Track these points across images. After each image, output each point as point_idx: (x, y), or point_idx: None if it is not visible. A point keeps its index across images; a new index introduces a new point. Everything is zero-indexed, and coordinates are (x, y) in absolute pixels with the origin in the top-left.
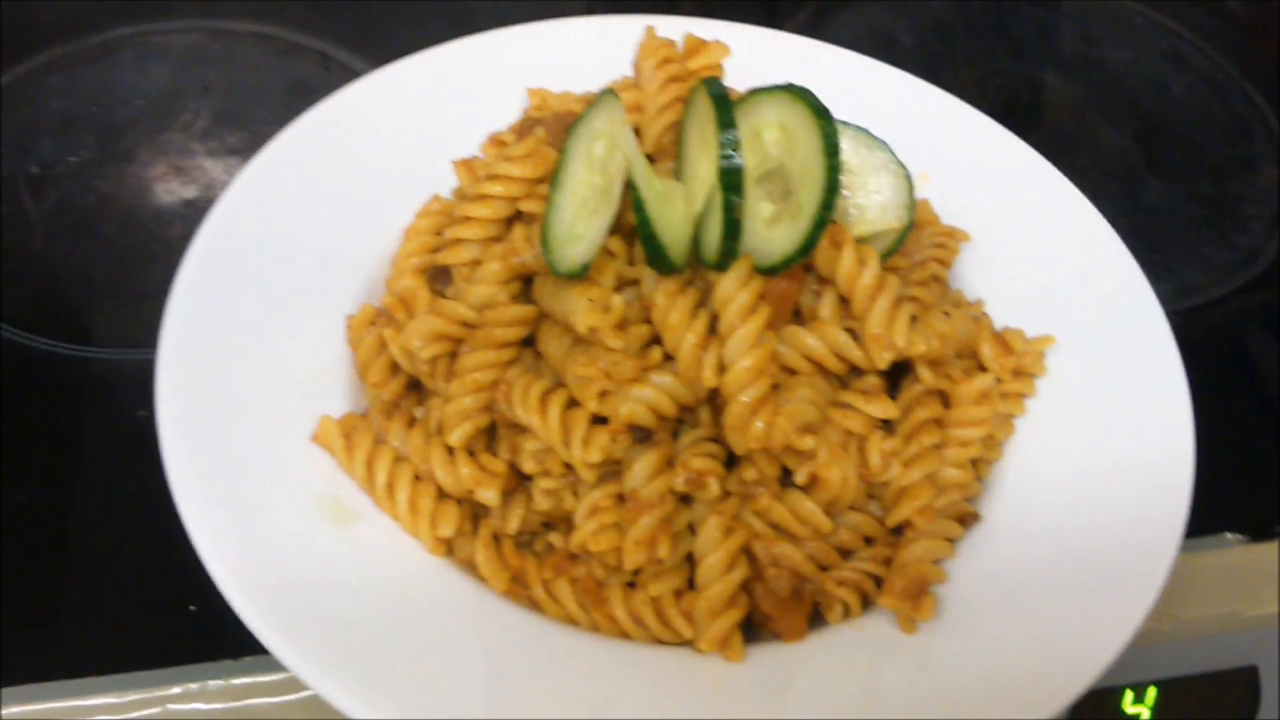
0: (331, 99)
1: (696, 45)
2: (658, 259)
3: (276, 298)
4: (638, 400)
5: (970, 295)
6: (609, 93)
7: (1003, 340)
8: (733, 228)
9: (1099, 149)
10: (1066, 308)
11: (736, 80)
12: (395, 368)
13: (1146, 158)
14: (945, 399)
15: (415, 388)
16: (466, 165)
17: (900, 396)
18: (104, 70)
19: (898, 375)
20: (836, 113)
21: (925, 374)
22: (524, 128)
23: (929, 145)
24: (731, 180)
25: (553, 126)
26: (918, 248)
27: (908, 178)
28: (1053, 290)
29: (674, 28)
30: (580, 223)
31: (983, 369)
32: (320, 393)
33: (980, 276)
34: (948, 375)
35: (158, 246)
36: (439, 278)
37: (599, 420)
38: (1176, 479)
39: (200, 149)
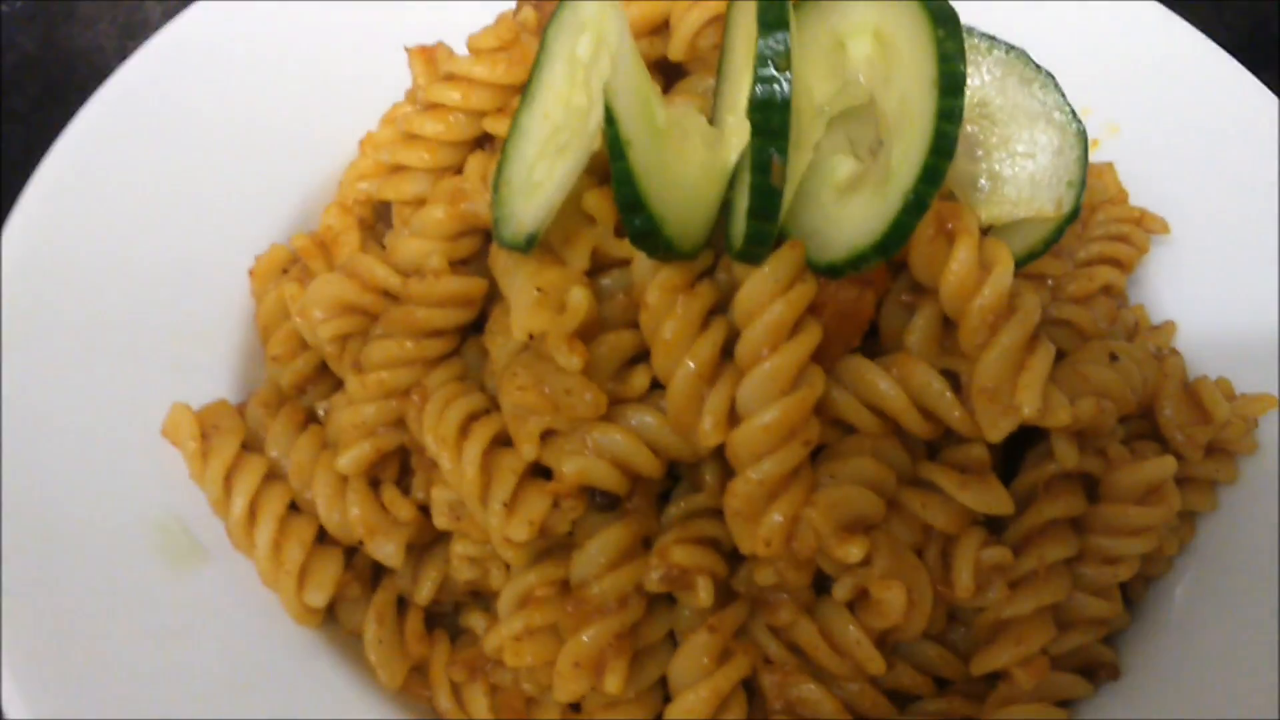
0: None
1: None
2: (646, 238)
3: (157, 224)
4: (599, 452)
5: (1158, 310)
6: None
7: (1198, 398)
8: (766, 200)
9: None
10: None
11: None
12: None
13: None
14: (1092, 484)
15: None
16: (424, 55)
17: (1020, 478)
18: None
19: (1020, 437)
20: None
21: (1064, 450)
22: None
23: (1122, 81)
24: (768, 121)
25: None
26: (1086, 239)
27: (1082, 136)
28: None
29: None
30: (542, 164)
31: (1160, 438)
32: (198, 364)
33: (1176, 281)
34: (1100, 451)
35: None
36: (388, 217)
37: (543, 471)
38: None
39: (157, 4)
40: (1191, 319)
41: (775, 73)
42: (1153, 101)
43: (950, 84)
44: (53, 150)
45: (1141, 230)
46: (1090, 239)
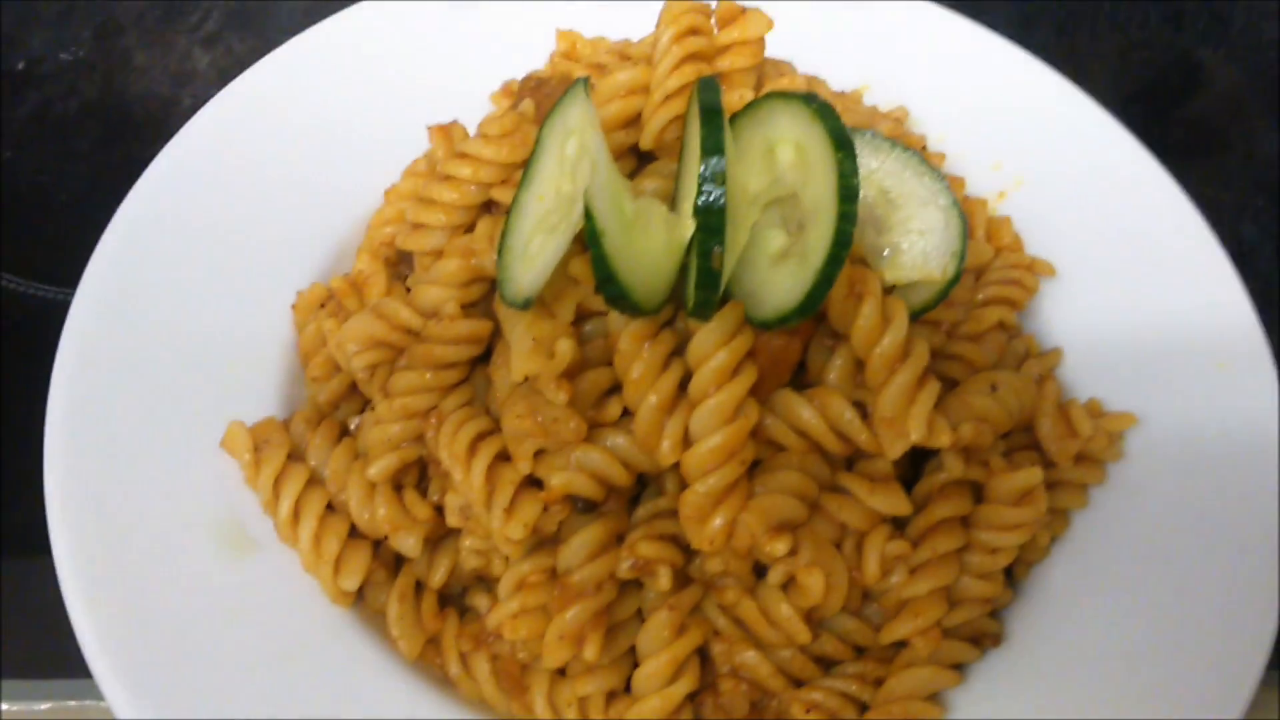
0: (338, 17)
1: (732, 12)
2: (617, 301)
3: (216, 263)
4: (580, 467)
5: (1050, 338)
6: (580, 81)
7: (1068, 417)
8: (709, 279)
9: (1252, 152)
10: (1167, 368)
11: (795, 53)
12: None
13: None
14: (977, 490)
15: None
16: (443, 132)
17: (919, 485)
18: None
19: (921, 452)
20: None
21: (952, 463)
22: (524, 89)
23: (1025, 144)
24: (709, 222)
25: (554, 94)
26: (984, 284)
27: (962, 218)
28: (1152, 344)
29: None
30: (537, 239)
31: (1038, 448)
32: (249, 386)
33: (1066, 315)
34: (984, 463)
35: (135, 169)
36: (409, 259)
37: (535, 482)
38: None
39: (204, 56)
40: (1079, 344)
41: (714, 186)
42: (1051, 164)
43: (847, 194)
44: (126, 200)
45: (1032, 274)
46: (988, 283)
